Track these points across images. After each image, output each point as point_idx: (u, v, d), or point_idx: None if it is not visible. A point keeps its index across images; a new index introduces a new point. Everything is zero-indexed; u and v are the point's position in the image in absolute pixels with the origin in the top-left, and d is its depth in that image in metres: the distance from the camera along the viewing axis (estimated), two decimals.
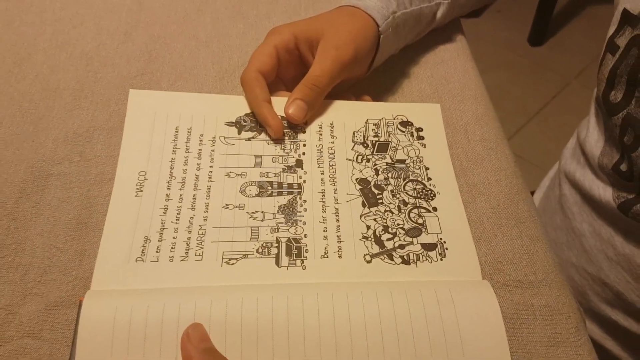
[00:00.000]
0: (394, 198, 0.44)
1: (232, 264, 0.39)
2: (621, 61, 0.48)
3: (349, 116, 0.49)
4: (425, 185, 0.45)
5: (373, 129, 0.48)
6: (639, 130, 0.46)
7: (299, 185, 0.44)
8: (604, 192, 0.53)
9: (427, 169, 0.46)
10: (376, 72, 0.56)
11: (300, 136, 0.47)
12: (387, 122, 0.49)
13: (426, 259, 0.41)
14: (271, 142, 0.46)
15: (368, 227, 0.42)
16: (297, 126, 0.47)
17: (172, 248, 0.39)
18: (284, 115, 0.47)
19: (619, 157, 0.50)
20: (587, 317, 0.59)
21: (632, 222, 0.50)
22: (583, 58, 1.94)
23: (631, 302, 0.53)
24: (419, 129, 0.49)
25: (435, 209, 0.44)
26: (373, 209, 0.43)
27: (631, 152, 0.47)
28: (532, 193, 0.76)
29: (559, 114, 1.79)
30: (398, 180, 0.45)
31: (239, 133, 0.46)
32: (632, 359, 0.57)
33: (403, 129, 0.48)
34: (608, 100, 0.50)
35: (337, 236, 0.41)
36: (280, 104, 0.47)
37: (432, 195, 0.45)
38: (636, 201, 0.49)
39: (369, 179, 0.45)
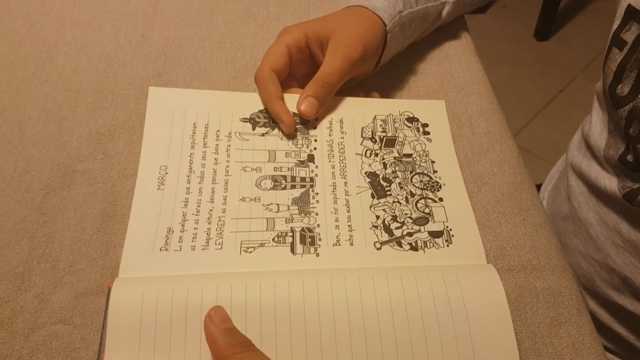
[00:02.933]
0: (402, 190, 0.46)
1: (250, 252, 0.41)
2: (630, 56, 0.49)
3: (357, 112, 0.51)
4: (431, 178, 0.47)
5: (381, 125, 0.50)
6: None
7: (311, 179, 0.46)
8: (610, 183, 0.54)
9: (432, 162, 0.48)
10: (384, 68, 0.58)
11: (312, 132, 0.49)
12: (394, 118, 0.51)
13: (433, 246, 0.43)
14: (284, 137, 0.49)
15: (377, 217, 0.44)
16: (308, 122, 0.50)
17: (193, 238, 0.42)
18: (296, 111, 0.49)
19: (625, 148, 0.52)
20: (595, 302, 0.61)
21: (638, 210, 0.51)
22: (589, 52, 1.95)
23: (638, 286, 0.54)
24: (425, 125, 0.51)
25: (441, 199, 0.46)
26: (382, 200, 0.46)
27: (637, 143, 0.49)
28: (539, 185, 0.78)
29: (566, 108, 1.80)
30: (405, 173, 0.47)
31: (254, 129, 0.49)
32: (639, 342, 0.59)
33: (409, 125, 0.51)
34: (614, 93, 0.51)
35: (349, 225, 0.44)
36: (292, 100, 0.49)
37: (438, 186, 0.47)
38: None
39: (378, 172, 0.47)
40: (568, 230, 0.63)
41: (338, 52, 0.50)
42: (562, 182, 0.66)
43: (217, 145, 0.47)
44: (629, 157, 0.51)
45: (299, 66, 0.52)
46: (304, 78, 0.52)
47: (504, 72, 1.91)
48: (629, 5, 0.50)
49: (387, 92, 0.57)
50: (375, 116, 0.51)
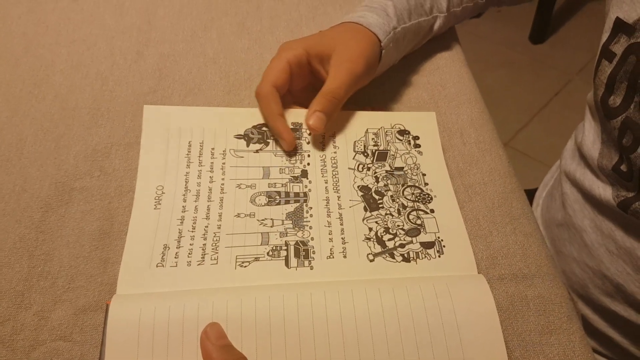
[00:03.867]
0: (394, 202, 0.47)
1: (245, 266, 0.42)
2: (619, 68, 0.50)
3: (350, 126, 0.52)
4: (422, 190, 0.48)
5: (373, 138, 0.51)
6: (637, 133, 0.48)
7: (305, 194, 0.47)
8: (604, 192, 0.55)
9: (423, 175, 0.49)
10: (376, 80, 0.58)
11: (305, 147, 0.50)
12: (386, 131, 0.52)
13: (425, 257, 0.44)
14: (278, 153, 0.49)
15: (370, 229, 0.45)
16: (301, 138, 0.51)
17: (189, 254, 0.43)
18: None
19: (618, 158, 0.53)
20: (589, 308, 0.62)
21: (632, 218, 0.52)
22: (584, 54, 1.96)
23: (631, 293, 0.55)
24: (416, 137, 0.51)
25: (432, 210, 0.47)
26: (374, 213, 0.46)
27: (630, 153, 0.49)
28: (536, 190, 0.78)
29: (562, 111, 1.81)
30: (397, 186, 0.48)
31: (248, 145, 0.49)
32: (634, 347, 0.60)
33: (401, 138, 0.51)
34: (607, 104, 0.52)
35: (342, 238, 0.44)
36: (291, 116, 0.50)
37: (429, 198, 0.48)
38: (635, 199, 0.51)
39: (370, 185, 0.48)
40: (563, 237, 0.63)
41: (343, 67, 0.51)
42: (557, 189, 0.67)
43: (212, 163, 0.48)
44: (623, 167, 0.52)
45: (296, 80, 0.53)
46: (300, 92, 0.53)
47: (500, 76, 1.93)
48: (617, 18, 0.50)
49: (379, 103, 0.58)
50: (367, 129, 0.52)
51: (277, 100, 0.50)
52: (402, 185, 0.48)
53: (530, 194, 0.78)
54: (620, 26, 0.50)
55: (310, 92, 0.51)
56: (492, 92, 1.85)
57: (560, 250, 0.63)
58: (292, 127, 0.51)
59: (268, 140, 0.50)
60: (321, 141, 0.51)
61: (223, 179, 0.47)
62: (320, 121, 0.49)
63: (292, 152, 0.50)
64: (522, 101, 1.84)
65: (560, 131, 1.70)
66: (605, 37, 0.52)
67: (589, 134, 0.58)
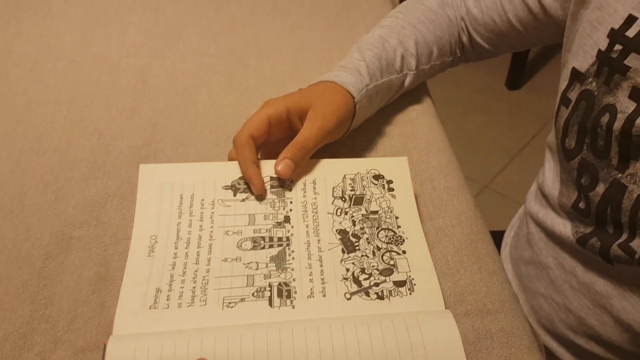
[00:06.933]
0: (369, 244, 0.51)
1: (232, 306, 0.46)
2: (573, 112, 0.55)
3: (329, 173, 0.56)
4: (395, 232, 0.52)
5: (350, 184, 0.56)
6: (594, 172, 0.53)
7: (288, 238, 0.51)
8: (564, 229, 0.59)
9: (397, 217, 0.54)
10: (352, 131, 0.64)
11: (287, 194, 0.54)
12: (362, 176, 0.56)
13: (397, 294, 0.48)
14: (263, 201, 0.54)
15: (347, 270, 0.49)
16: (284, 185, 0.55)
17: (180, 296, 0.46)
18: (267, 175, 0.55)
19: (577, 196, 0.57)
20: (555, 341, 0.65)
21: (590, 253, 0.56)
22: None
23: (591, 326, 0.59)
24: (390, 181, 0.56)
25: (404, 252, 0.51)
26: (351, 255, 0.51)
27: (589, 191, 0.54)
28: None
29: (540, 154, 1.87)
30: (372, 229, 0.53)
31: (235, 195, 0.54)
32: None
33: (376, 182, 0.56)
34: (565, 147, 0.57)
35: (322, 278, 0.48)
36: (265, 166, 0.55)
37: (401, 240, 0.52)
38: (592, 235, 0.55)
39: (347, 229, 0.52)
40: (530, 274, 0.67)
41: (316, 122, 0.56)
42: (522, 229, 0.71)
43: (202, 213, 0.52)
44: (581, 204, 0.56)
45: (275, 133, 0.58)
46: (278, 142, 0.58)
47: (479, 120, 2.00)
48: (573, 68, 0.56)
49: (356, 152, 0.63)
50: (345, 175, 0.56)
51: (251, 149, 0.54)
52: (377, 228, 0.53)
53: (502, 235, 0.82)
54: (576, 75, 0.55)
55: (287, 144, 0.56)
56: (471, 136, 1.93)
57: (528, 286, 0.67)
58: (272, 178, 0.55)
59: None
60: (302, 188, 0.55)
61: (212, 227, 0.51)
62: (288, 167, 0.54)
63: (275, 199, 0.54)
64: (500, 144, 1.91)
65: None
66: (563, 85, 0.57)
67: (549, 175, 0.63)
